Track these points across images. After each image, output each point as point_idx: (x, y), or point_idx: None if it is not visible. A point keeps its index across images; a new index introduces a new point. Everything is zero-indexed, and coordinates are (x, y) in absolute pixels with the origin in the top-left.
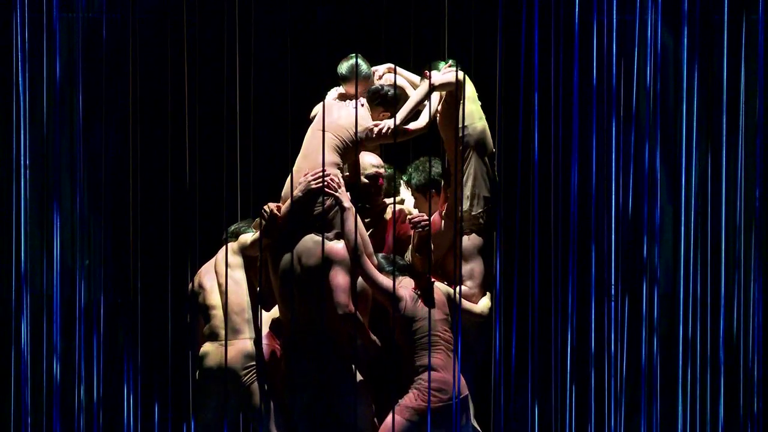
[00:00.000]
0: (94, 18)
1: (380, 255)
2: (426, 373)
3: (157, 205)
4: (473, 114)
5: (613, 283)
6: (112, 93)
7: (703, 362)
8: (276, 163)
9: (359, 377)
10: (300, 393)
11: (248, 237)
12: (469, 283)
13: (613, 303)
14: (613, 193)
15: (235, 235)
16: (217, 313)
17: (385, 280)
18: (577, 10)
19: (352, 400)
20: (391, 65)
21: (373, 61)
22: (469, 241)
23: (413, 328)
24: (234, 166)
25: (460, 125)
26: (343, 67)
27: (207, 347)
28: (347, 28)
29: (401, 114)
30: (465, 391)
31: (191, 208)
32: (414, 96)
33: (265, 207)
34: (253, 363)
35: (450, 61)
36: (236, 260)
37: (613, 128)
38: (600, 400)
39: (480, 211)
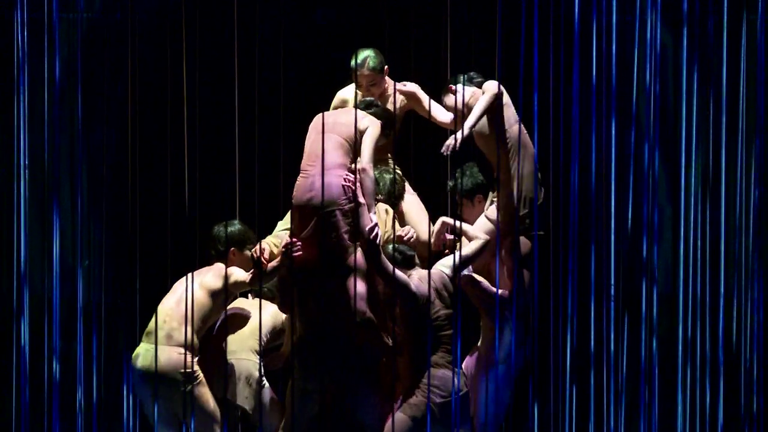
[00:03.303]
0: (94, 18)
1: (389, 246)
2: (436, 372)
3: (157, 205)
4: (509, 118)
5: (612, 283)
6: (112, 93)
7: (703, 362)
8: (276, 162)
9: (373, 380)
10: (312, 400)
11: (240, 276)
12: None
13: (612, 303)
14: (613, 193)
15: (218, 241)
16: (161, 315)
17: (402, 276)
18: (577, 10)
19: (368, 403)
20: (416, 91)
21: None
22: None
23: (426, 326)
24: (233, 165)
25: (502, 129)
26: (354, 62)
27: (139, 348)
28: (347, 29)
29: (469, 123)
30: (465, 388)
31: (191, 208)
32: (480, 105)
33: (255, 250)
34: (189, 370)
35: (472, 74)
36: (217, 282)
37: (613, 128)
38: (600, 400)
39: (526, 211)
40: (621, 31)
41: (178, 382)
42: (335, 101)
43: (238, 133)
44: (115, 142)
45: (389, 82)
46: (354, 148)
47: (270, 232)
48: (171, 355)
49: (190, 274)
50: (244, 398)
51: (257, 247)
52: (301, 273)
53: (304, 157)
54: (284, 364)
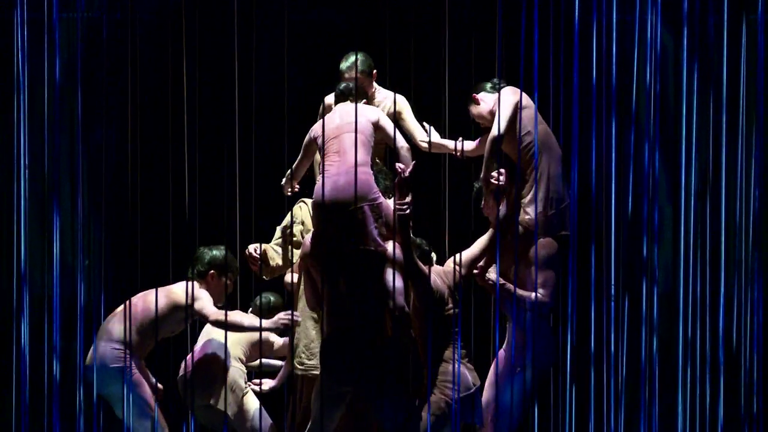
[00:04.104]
0: (94, 18)
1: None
2: (443, 366)
3: (157, 205)
4: (531, 119)
5: (613, 283)
6: (112, 93)
7: (703, 362)
8: (276, 162)
9: (399, 378)
10: (342, 401)
11: (205, 308)
12: (542, 291)
13: (612, 303)
14: (613, 193)
15: (200, 261)
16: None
17: (425, 269)
18: (577, 10)
19: (393, 403)
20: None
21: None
22: (544, 249)
23: (439, 322)
24: (234, 165)
25: (520, 134)
26: (344, 64)
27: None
28: (347, 29)
29: (484, 175)
30: (477, 382)
31: (191, 208)
32: (486, 159)
33: (249, 248)
34: (120, 365)
35: (495, 80)
36: (183, 299)
37: (613, 128)
38: (600, 400)
39: (553, 212)
40: (621, 31)
41: (108, 377)
42: (322, 107)
43: (238, 134)
44: (115, 142)
45: (377, 87)
46: (372, 142)
47: (269, 232)
48: (103, 351)
49: (183, 283)
50: (227, 404)
51: (255, 245)
52: (330, 274)
53: (325, 158)
54: (283, 382)
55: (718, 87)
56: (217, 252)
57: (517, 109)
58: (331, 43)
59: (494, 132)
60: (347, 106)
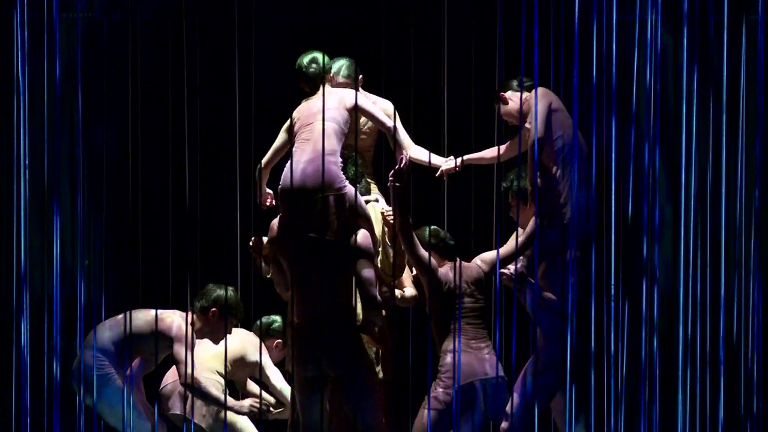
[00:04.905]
0: (94, 18)
1: (432, 228)
2: (445, 359)
3: (157, 205)
4: (563, 124)
5: (613, 283)
6: (112, 93)
7: (703, 362)
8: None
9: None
10: (315, 389)
11: (179, 355)
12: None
13: (613, 303)
14: (613, 193)
15: (206, 297)
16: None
17: (432, 261)
18: (576, 10)
19: (364, 397)
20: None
21: (373, 63)
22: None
23: (447, 312)
24: (234, 164)
25: (555, 137)
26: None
27: None
28: (347, 30)
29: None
30: (490, 373)
31: (191, 207)
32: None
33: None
34: (101, 373)
35: (522, 79)
36: (170, 331)
37: (613, 128)
38: (600, 400)
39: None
40: (621, 31)
41: (90, 384)
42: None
43: (238, 134)
44: (115, 142)
45: (363, 92)
46: (345, 130)
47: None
48: (85, 358)
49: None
50: (201, 416)
51: (256, 238)
52: (296, 261)
53: (295, 145)
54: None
55: (718, 87)
56: (224, 292)
57: (550, 111)
58: (331, 43)
59: (532, 136)
60: (327, 93)
